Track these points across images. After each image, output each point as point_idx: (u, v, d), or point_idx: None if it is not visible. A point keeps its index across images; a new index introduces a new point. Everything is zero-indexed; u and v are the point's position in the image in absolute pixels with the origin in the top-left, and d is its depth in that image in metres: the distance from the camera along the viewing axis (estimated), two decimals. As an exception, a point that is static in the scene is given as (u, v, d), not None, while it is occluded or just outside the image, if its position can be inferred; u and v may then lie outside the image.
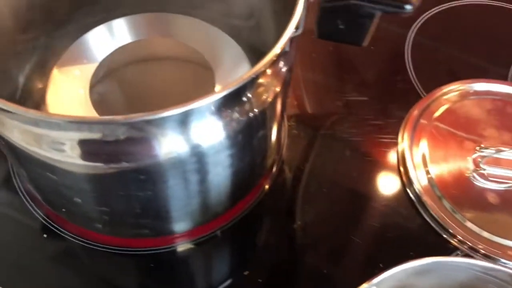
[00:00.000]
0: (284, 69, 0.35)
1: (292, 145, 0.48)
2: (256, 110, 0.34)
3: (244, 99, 0.32)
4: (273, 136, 0.42)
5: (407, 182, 0.47)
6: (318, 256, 0.43)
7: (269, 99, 0.34)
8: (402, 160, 0.48)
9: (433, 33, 0.59)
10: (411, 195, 0.46)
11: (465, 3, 0.62)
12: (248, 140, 0.36)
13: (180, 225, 0.41)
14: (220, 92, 0.30)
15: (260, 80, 0.33)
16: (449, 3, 0.61)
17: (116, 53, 0.44)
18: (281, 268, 0.43)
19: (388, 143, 0.49)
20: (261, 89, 0.33)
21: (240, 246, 0.44)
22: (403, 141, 0.49)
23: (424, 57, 0.56)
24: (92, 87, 0.44)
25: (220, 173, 0.37)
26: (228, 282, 0.41)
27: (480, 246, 0.43)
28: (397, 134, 0.49)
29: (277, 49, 0.31)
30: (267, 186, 0.46)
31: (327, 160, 0.48)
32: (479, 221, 0.44)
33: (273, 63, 0.33)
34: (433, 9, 0.61)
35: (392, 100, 0.52)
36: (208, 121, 0.32)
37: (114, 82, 0.48)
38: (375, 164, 0.48)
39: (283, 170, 0.47)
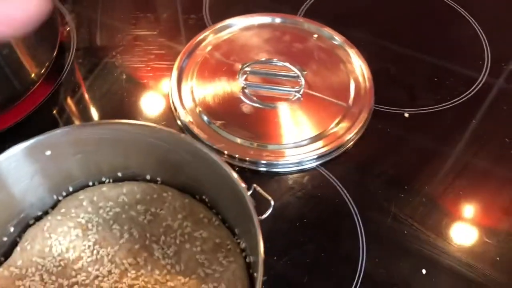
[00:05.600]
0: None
1: (75, 71, 0.51)
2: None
3: None
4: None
5: (173, 109, 0.49)
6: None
7: None
8: (172, 86, 0.50)
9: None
10: (179, 122, 0.48)
11: None
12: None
13: None
14: None
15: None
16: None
17: None
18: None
19: (165, 69, 0.52)
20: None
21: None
22: (176, 68, 0.51)
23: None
24: None
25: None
26: None
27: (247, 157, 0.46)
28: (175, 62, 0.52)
29: None
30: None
31: (104, 83, 0.50)
32: (247, 136, 0.47)
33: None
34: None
35: (179, 33, 0.56)
36: None
37: None
38: (149, 88, 0.51)
39: (60, 92, 0.50)
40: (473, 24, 0.57)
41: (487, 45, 0.55)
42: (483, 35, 0.56)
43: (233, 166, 0.45)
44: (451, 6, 0.59)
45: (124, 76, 0.51)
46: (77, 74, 0.52)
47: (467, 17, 0.58)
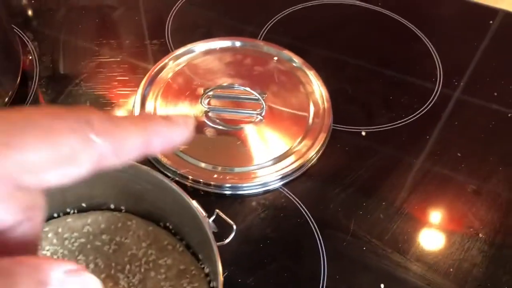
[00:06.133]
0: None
1: (39, 100, 0.52)
2: None
3: None
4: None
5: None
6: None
7: None
8: (135, 112, 0.51)
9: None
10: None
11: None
12: None
13: None
14: None
15: None
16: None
17: None
18: None
19: (129, 95, 0.53)
20: None
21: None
22: (139, 94, 0.52)
23: (184, 21, 0.61)
24: None
25: None
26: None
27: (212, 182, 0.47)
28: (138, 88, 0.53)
29: None
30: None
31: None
32: (209, 160, 0.48)
33: None
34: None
35: (142, 59, 0.57)
36: None
37: None
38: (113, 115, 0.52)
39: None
40: (426, 43, 0.60)
41: (439, 63, 0.57)
42: (435, 52, 0.58)
43: (198, 191, 0.47)
44: (404, 24, 0.62)
45: (88, 104, 0.52)
46: (41, 103, 0.52)
47: (420, 35, 0.60)
